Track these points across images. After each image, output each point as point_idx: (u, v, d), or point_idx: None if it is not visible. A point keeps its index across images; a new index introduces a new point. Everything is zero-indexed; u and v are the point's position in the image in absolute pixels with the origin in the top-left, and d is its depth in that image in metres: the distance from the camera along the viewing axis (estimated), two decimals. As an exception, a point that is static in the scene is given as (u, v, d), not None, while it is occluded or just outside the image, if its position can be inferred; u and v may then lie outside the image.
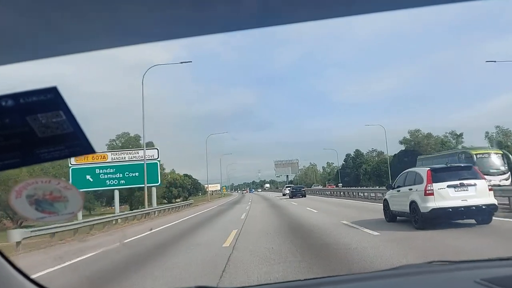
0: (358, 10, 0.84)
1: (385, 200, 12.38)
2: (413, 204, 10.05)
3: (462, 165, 11.34)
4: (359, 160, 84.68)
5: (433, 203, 9.43)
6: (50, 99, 0.73)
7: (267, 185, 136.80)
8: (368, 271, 3.18)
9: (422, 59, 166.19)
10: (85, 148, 0.83)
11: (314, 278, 2.20)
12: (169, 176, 68.68)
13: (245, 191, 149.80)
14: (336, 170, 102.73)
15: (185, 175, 76.39)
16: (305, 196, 41.91)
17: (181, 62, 32.66)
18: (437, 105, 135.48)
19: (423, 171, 10.23)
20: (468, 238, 8.27)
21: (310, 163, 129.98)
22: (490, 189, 9.69)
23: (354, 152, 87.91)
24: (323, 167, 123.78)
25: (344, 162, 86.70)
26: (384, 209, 12.42)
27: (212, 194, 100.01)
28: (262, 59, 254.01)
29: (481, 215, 9.58)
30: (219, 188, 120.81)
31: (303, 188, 49.06)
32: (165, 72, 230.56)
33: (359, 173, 78.57)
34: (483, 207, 9.39)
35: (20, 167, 0.83)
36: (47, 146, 0.80)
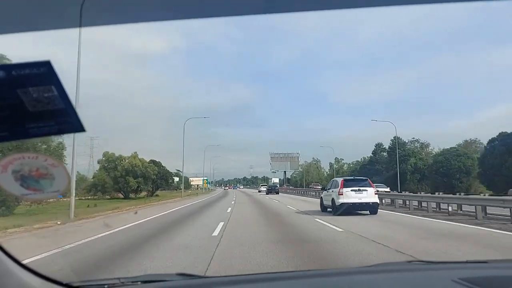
0: (360, 3, 0.84)
1: (321, 198, 18.99)
2: (332, 200, 16.58)
3: (363, 178, 17.92)
4: (401, 152, 55.03)
5: (342, 200, 15.94)
6: (43, 73, 0.72)
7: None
8: (346, 267, 3.30)
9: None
10: (75, 125, 0.82)
11: (292, 271, 2.22)
12: (126, 161, 49.60)
13: (227, 187, 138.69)
14: (347, 167, 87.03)
15: (152, 161, 55.18)
16: (278, 193, 52.26)
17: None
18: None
19: (339, 180, 16.87)
20: (357, 218, 14.72)
21: (313, 158, 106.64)
22: (375, 193, 16.32)
23: (392, 141, 58.50)
24: (330, 163, 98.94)
25: (372, 155, 64.97)
26: (320, 203, 19.03)
27: (198, 188, 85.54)
28: (260, 55, 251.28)
29: (370, 208, 16.17)
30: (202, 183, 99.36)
31: (277, 187, 62.11)
32: (163, 63, 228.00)
33: (405, 171, 54.23)
34: (371, 203, 15.99)
35: (8, 141, 0.81)
36: (36, 121, 0.79)
